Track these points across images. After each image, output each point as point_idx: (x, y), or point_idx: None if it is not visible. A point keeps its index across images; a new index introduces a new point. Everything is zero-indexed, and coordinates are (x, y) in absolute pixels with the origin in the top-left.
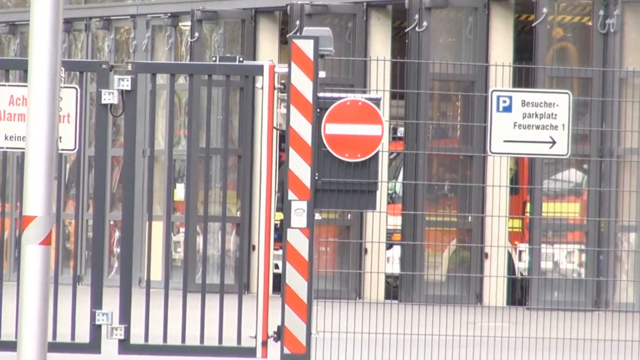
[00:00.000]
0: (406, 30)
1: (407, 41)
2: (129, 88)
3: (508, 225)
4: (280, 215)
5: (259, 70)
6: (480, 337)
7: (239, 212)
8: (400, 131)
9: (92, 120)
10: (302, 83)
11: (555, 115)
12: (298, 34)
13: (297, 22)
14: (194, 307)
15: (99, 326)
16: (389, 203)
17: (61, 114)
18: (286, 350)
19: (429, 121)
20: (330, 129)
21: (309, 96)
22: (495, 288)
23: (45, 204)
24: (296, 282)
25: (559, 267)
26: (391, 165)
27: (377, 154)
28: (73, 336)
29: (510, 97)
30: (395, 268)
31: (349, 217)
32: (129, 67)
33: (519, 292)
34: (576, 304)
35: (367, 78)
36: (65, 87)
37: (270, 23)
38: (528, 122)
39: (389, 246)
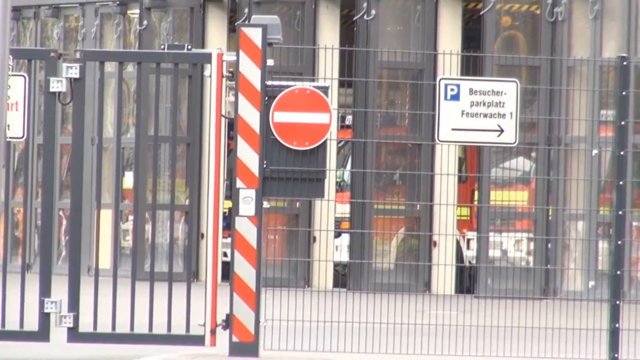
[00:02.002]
0: (355, 19)
1: (355, 29)
2: (77, 76)
3: (456, 214)
4: (228, 204)
5: (208, 58)
6: (428, 325)
7: (187, 200)
8: (349, 119)
9: (40, 109)
10: (251, 71)
11: (503, 103)
12: (246, 22)
13: (246, 10)
14: (142, 295)
15: (48, 314)
16: (337, 191)
17: (9, 102)
18: (235, 338)
19: (378, 109)
20: (279, 117)
21: (257, 84)
22: (443, 276)
23: None
24: (245, 270)
25: (507, 256)
26: (339, 154)
27: (325, 142)
28: (22, 324)
29: (458, 86)
30: (343, 256)
31: (297, 206)
32: (78, 55)
33: (467, 281)
34: (524, 292)
35: (316, 66)
36: (13, 75)
37: (218, 11)
38: (476, 111)
39: (338, 234)
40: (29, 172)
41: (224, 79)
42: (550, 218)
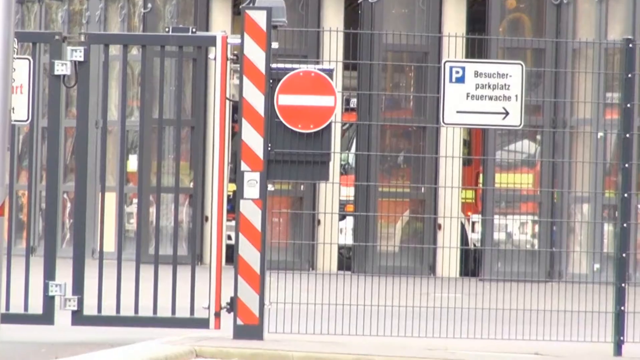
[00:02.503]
0: (359, 1)
1: (360, 12)
2: (82, 59)
3: (461, 196)
4: (233, 187)
5: (212, 41)
6: (433, 308)
7: (191, 183)
8: (353, 102)
9: (45, 92)
10: (255, 54)
11: (508, 86)
12: (251, 5)
13: None
14: (147, 278)
15: (52, 297)
16: (341, 174)
17: (14, 85)
18: (239, 321)
19: (382, 92)
20: (283, 100)
21: (262, 67)
22: (448, 259)
23: None
24: (249, 253)
25: (512, 238)
26: (344, 137)
27: (329, 125)
28: (26, 307)
29: (463, 68)
30: (348, 239)
31: (301, 188)
32: (82, 38)
33: (472, 263)
34: (529, 275)
35: (320, 49)
36: (18, 58)
37: None
38: (481, 93)
39: (342, 217)
40: (33, 155)
41: (228, 62)
42: (555, 201)
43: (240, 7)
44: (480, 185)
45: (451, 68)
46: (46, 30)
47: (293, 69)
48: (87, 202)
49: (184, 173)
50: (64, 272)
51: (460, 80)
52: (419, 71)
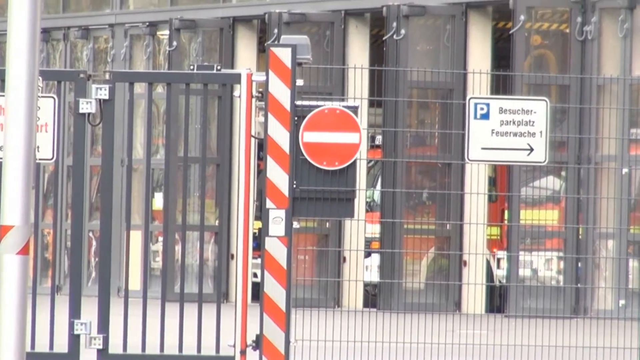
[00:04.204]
0: (384, 38)
1: (385, 49)
2: (106, 97)
3: (486, 233)
4: (258, 224)
5: (237, 78)
6: (459, 344)
7: (217, 221)
8: (379, 139)
9: (70, 130)
10: (280, 91)
11: (533, 122)
12: (276, 42)
13: (275, 31)
14: (172, 316)
15: (78, 336)
16: (367, 211)
17: (39, 124)
18: (265, 359)
19: (407, 129)
20: (308, 137)
21: (287, 104)
22: (473, 295)
23: (23, 213)
24: (275, 290)
25: (538, 275)
26: (369, 173)
27: (355, 161)
28: (51, 346)
29: (487, 105)
30: (374, 276)
31: (327, 226)
32: (107, 76)
33: (497, 300)
34: (555, 311)
35: (345, 86)
36: (43, 96)
37: (248, 31)
38: (506, 130)
39: (368, 254)
40: (58, 194)
41: (253, 99)
42: (580, 237)
43: (265, 44)
44: (506, 222)
45: (476, 105)
46: (71, 68)
47: (318, 106)
48: (112, 240)
49: (210, 211)
50: (90, 310)
51: (485, 116)
52: (444, 108)
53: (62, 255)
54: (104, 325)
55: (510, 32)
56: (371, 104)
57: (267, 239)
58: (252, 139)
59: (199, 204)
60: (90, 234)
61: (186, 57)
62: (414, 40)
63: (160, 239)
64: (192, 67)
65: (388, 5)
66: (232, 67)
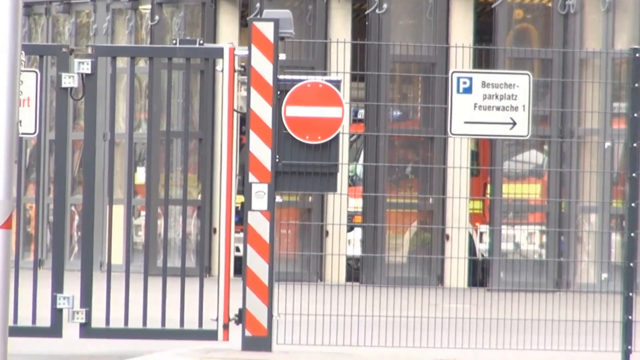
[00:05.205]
0: (366, 13)
1: (367, 23)
2: (89, 71)
3: (469, 207)
4: (241, 198)
5: (219, 52)
6: (441, 318)
7: (199, 195)
8: (361, 113)
9: (52, 104)
10: (263, 65)
11: (516, 96)
12: (258, 17)
13: (257, 5)
14: (155, 290)
15: (60, 310)
16: (349, 185)
17: (21, 98)
18: (247, 333)
19: (390, 103)
20: (291, 111)
21: (270, 79)
22: (456, 269)
23: (6, 188)
24: (257, 264)
25: (520, 249)
26: (352, 148)
27: (337, 136)
28: (34, 320)
29: (470, 79)
30: (356, 250)
31: (310, 200)
32: (89, 51)
33: (480, 274)
34: (537, 285)
35: (328, 60)
36: (25, 70)
37: (230, 6)
38: (488, 104)
39: (350, 228)
40: (41, 168)
41: (235, 74)
42: (563, 211)
43: (248, 18)
44: (488, 196)
45: (459, 79)
46: (53, 42)
47: (300, 81)
48: (94, 214)
49: (192, 185)
50: (72, 285)
51: (468, 90)
52: (426, 82)
53: (44, 230)
54: (86, 299)
55: (493, 5)
56: (353, 78)
57: (249, 213)
58: (235, 114)
59: (182, 178)
60: (73, 209)
61: (168, 31)
62: (396, 15)
63: (143, 213)
64: (174, 42)
65: None
66: (215, 41)
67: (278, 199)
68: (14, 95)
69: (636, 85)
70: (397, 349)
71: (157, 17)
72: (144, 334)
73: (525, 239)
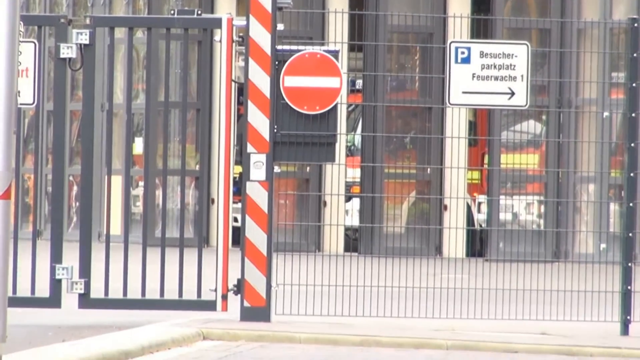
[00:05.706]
0: None
1: None
2: (87, 42)
3: (467, 177)
4: (239, 169)
5: (218, 23)
6: (440, 289)
7: (198, 166)
8: (359, 83)
9: (50, 75)
10: (261, 36)
11: (514, 66)
12: None
13: None
14: (153, 261)
15: (59, 280)
16: (347, 155)
17: (20, 69)
18: (246, 303)
19: (388, 73)
20: (289, 81)
21: (268, 49)
22: (454, 240)
23: (5, 158)
24: (256, 235)
25: (518, 219)
26: (350, 118)
27: (335, 106)
28: (33, 291)
29: (468, 49)
30: (354, 220)
31: (307, 170)
32: (88, 21)
33: (478, 244)
34: (535, 255)
35: (326, 30)
36: (23, 41)
37: None
38: (486, 74)
39: (348, 199)
40: (39, 139)
41: (233, 44)
42: (561, 181)
43: None
44: (486, 166)
45: (457, 49)
46: (51, 13)
47: (299, 51)
48: (93, 185)
49: (190, 156)
50: (71, 256)
51: (466, 60)
52: (424, 52)
53: (43, 201)
54: (85, 270)
55: None
56: (351, 48)
57: (248, 183)
58: (233, 84)
59: (180, 148)
60: (71, 179)
61: (166, 2)
62: None
63: (141, 183)
64: (172, 12)
65: None
66: (212, 12)
67: (276, 169)
68: (13, 65)
69: (634, 55)
70: (394, 319)
71: None
72: (143, 304)
73: (524, 209)
